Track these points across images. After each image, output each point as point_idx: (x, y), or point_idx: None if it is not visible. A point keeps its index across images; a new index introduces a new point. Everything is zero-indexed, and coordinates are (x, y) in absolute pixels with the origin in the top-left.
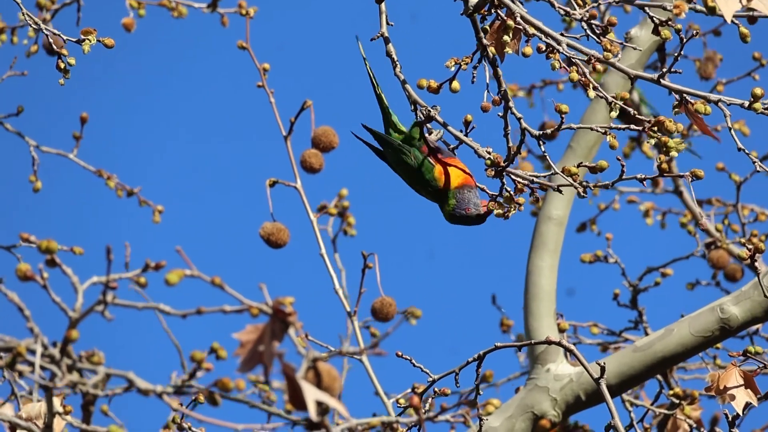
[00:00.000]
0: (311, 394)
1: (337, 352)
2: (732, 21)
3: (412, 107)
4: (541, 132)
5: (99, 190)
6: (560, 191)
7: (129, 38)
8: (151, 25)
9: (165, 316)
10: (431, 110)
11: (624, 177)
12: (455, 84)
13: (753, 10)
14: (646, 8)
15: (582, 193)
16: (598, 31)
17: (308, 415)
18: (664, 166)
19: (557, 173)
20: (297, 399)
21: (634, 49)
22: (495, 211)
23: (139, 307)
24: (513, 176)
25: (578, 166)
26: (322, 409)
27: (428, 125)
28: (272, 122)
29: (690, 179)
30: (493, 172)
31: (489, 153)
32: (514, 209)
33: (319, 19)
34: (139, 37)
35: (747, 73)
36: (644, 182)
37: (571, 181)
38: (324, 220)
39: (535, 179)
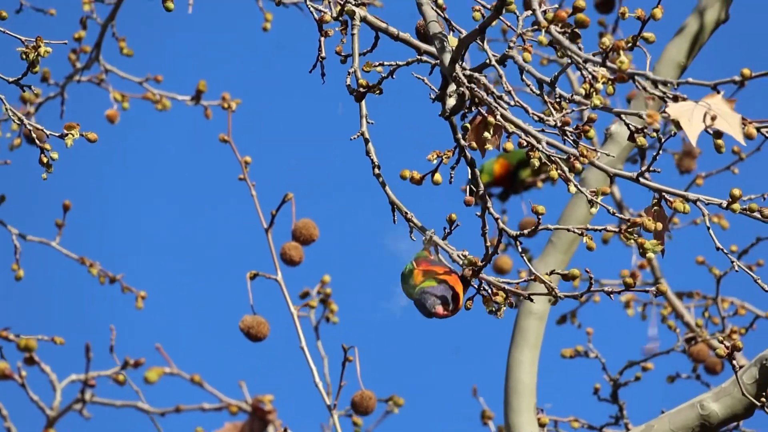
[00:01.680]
0: None
1: None
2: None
3: (394, 216)
4: (518, 233)
5: (82, 277)
6: (531, 299)
7: (114, 128)
8: (136, 115)
9: (144, 414)
10: (428, 235)
11: (592, 289)
12: (437, 176)
13: (717, 129)
14: (623, 116)
15: (553, 302)
16: (572, 137)
17: None
18: (629, 280)
19: (530, 280)
20: None
21: (607, 155)
22: (487, 309)
23: (117, 405)
24: (486, 282)
25: (550, 273)
26: None
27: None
28: (253, 215)
29: (654, 294)
30: (470, 272)
31: (465, 256)
32: (504, 308)
33: (302, 113)
34: (124, 127)
35: (726, 167)
36: (611, 295)
37: (545, 289)
38: (305, 311)
39: (506, 286)
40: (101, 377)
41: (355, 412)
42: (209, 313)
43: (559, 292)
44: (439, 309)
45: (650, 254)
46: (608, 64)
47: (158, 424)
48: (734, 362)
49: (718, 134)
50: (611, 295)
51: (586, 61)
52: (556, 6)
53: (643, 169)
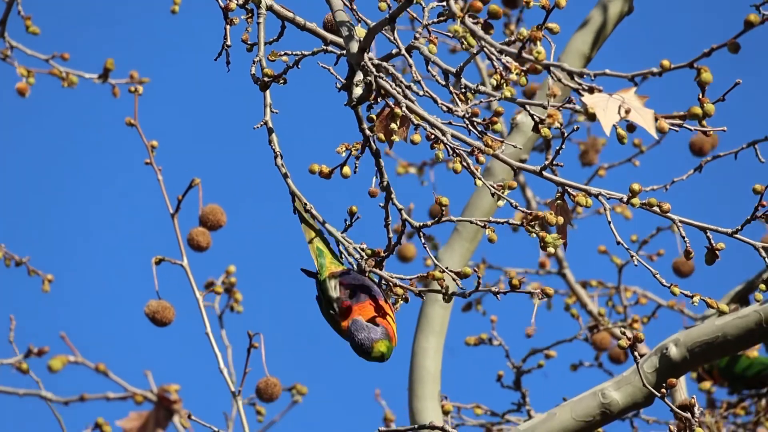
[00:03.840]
0: None
1: None
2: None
3: (294, 203)
4: (421, 224)
5: None
6: (422, 297)
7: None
8: (43, 93)
9: (47, 402)
10: (364, 262)
11: (480, 289)
12: (346, 169)
13: (630, 122)
14: (527, 106)
15: (446, 300)
16: (479, 128)
17: None
18: (515, 281)
19: (423, 278)
20: None
21: (513, 146)
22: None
23: (20, 393)
24: (382, 278)
25: (443, 271)
26: None
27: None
28: (160, 199)
29: (539, 297)
30: (373, 263)
31: (362, 249)
32: (399, 303)
33: (210, 99)
34: (28, 106)
35: (627, 159)
36: (498, 295)
37: (438, 286)
38: (211, 298)
39: (401, 283)
40: (3, 365)
41: (260, 399)
42: (114, 298)
43: (448, 291)
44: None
45: (551, 249)
46: (524, 54)
47: (58, 414)
48: (636, 353)
49: (631, 128)
50: (497, 296)
51: (501, 51)
52: None
53: (546, 163)
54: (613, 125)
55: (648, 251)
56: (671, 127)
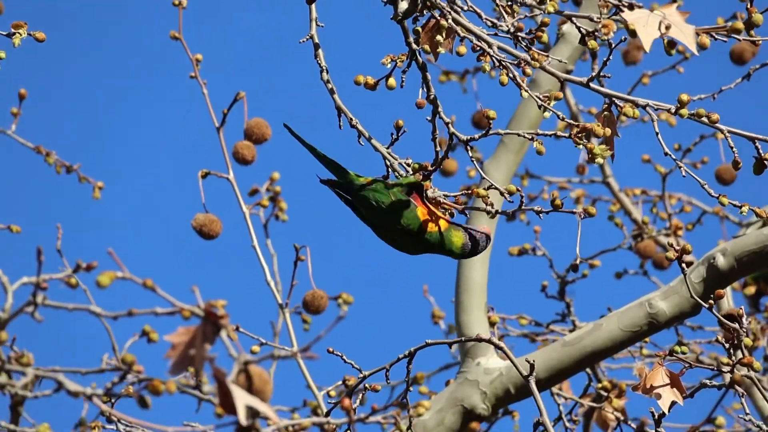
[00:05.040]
0: (241, 398)
1: (270, 356)
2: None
3: (340, 121)
4: (468, 137)
5: (38, 167)
6: (466, 214)
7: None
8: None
9: (95, 318)
10: (413, 168)
11: (523, 207)
12: (391, 81)
13: (672, 38)
14: (573, 19)
15: (491, 217)
16: (524, 43)
17: (237, 419)
18: (557, 201)
19: (468, 193)
20: (227, 403)
21: (559, 61)
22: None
23: (69, 308)
24: (424, 197)
25: (488, 188)
26: (253, 413)
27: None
28: (205, 114)
29: (581, 216)
30: (421, 176)
31: (408, 164)
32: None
33: (255, 11)
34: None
35: (671, 66)
36: (540, 215)
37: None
38: (257, 210)
39: (442, 200)
40: (53, 280)
41: (307, 311)
42: (162, 212)
43: (493, 208)
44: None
45: (599, 159)
46: None
47: (108, 325)
48: (683, 264)
49: (672, 44)
50: (540, 215)
51: None
52: None
53: (594, 74)
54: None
55: (692, 159)
56: (718, 38)
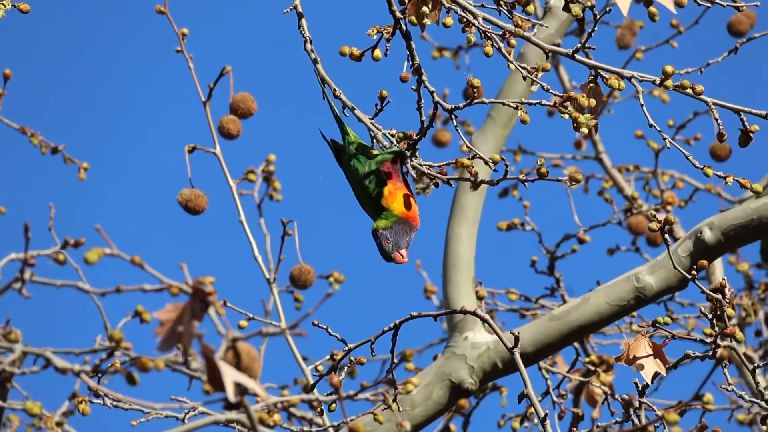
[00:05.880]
0: (230, 375)
1: (258, 333)
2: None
3: (323, 90)
4: (453, 106)
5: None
6: (451, 184)
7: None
8: None
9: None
10: (403, 143)
11: (508, 177)
12: (377, 52)
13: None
14: None
15: (473, 188)
16: (506, 8)
17: (226, 395)
18: (543, 170)
19: (451, 164)
20: (215, 380)
21: (542, 26)
22: (416, 189)
23: (57, 285)
24: (410, 165)
25: (472, 158)
26: (241, 389)
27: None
28: (191, 88)
29: (568, 183)
30: (405, 145)
31: (393, 135)
32: (430, 188)
33: None
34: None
35: (665, 41)
36: (525, 183)
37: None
38: (246, 186)
39: (428, 170)
40: (41, 257)
41: (294, 286)
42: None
43: (477, 178)
44: (398, 257)
45: (584, 128)
46: None
47: (99, 303)
48: (667, 236)
49: (648, 2)
50: (525, 184)
51: None
52: None
53: (579, 45)
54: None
55: (685, 135)
56: (702, 3)
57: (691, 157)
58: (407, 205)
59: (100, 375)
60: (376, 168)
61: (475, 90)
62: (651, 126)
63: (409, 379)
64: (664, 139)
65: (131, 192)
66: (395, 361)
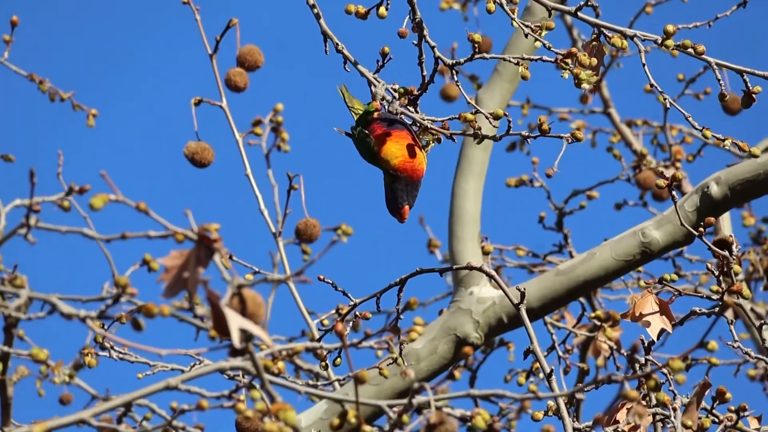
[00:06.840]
0: (235, 321)
1: (263, 279)
2: None
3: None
4: (454, 61)
5: (31, 94)
6: (454, 139)
7: None
8: None
9: (88, 240)
10: (377, 89)
11: (511, 132)
12: (382, 10)
13: None
14: None
15: (477, 142)
16: None
17: (231, 342)
18: (545, 126)
19: (454, 118)
20: (221, 326)
21: None
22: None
23: (62, 230)
24: (414, 119)
25: (474, 113)
26: (247, 336)
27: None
28: (198, 40)
29: (569, 141)
30: (406, 101)
31: (394, 89)
32: (432, 143)
33: None
34: None
35: None
36: (527, 140)
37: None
38: (251, 138)
39: (430, 124)
40: (46, 203)
41: (299, 240)
42: (156, 141)
43: (480, 133)
44: (406, 209)
45: (585, 84)
46: None
47: (106, 250)
48: (673, 193)
49: None
50: (527, 140)
51: None
52: None
53: (582, 3)
54: None
55: (695, 90)
56: None
57: (690, 118)
58: (406, 155)
59: (106, 326)
60: (365, 133)
61: (476, 45)
62: (652, 86)
63: (414, 327)
64: (665, 99)
65: (139, 146)
66: (401, 316)
